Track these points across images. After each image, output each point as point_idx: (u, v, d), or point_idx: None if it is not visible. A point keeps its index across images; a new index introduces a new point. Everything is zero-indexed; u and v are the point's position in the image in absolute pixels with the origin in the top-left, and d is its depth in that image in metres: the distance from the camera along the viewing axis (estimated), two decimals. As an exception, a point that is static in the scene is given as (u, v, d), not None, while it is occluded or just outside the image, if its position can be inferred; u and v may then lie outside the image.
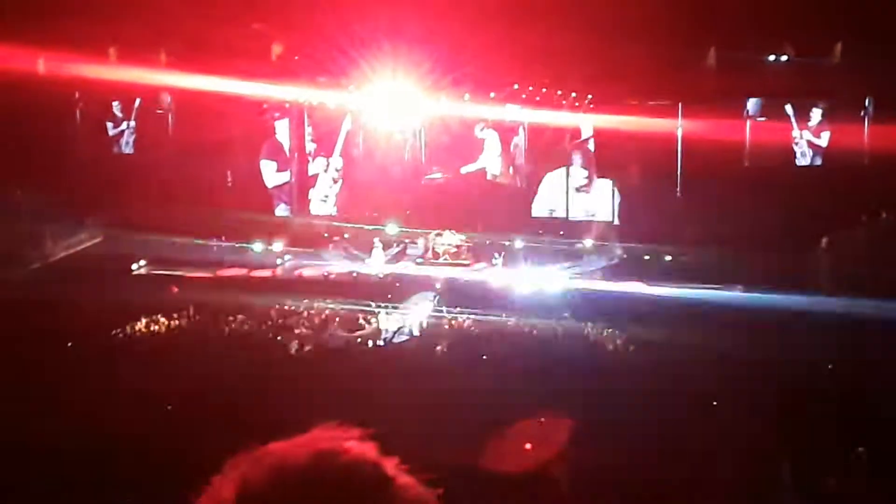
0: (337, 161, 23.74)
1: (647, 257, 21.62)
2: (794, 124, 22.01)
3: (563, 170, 23.23)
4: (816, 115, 21.91)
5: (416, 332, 18.73)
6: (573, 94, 22.47)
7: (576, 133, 23.15)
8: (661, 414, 14.37)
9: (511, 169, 23.95)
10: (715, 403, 15.06)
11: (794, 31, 21.38)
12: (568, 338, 17.97)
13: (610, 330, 18.26)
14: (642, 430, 13.74)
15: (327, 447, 2.30)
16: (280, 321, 18.77)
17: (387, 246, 22.54)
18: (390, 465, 2.34)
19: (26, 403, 14.06)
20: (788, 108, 22.04)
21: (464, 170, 23.82)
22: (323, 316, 19.18)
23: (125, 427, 13.86)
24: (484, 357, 17.18)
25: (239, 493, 2.25)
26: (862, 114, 21.32)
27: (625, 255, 21.97)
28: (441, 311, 19.45)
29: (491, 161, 23.95)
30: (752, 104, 22.06)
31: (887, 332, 15.60)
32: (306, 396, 14.61)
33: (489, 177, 23.97)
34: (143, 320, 18.71)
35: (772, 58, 22.05)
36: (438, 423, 13.57)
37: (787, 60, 21.96)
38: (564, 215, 23.32)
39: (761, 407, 14.29)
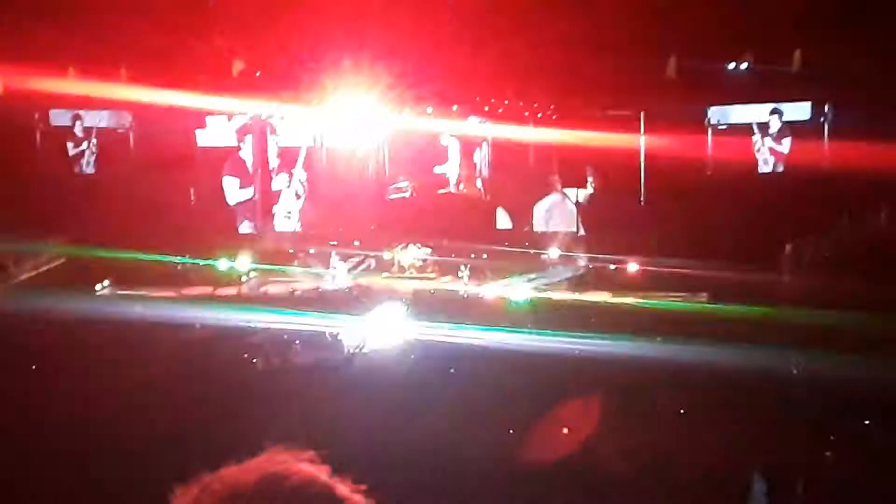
0: (300, 176, 23.68)
1: (612, 267, 21.63)
2: (756, 132, 22.16)
3: (527, 182, 23.25)
4: (776, 122, 22.06)
5: (381, 348, 18.63)
6: (535, 106, 22.54)
7: (538, 145, 23.18)
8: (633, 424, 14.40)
9: (475, 181, 23.99)
10: (682, 412, 15.11)
11: (754, 39, 21.54)
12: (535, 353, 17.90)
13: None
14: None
15: (277, 470, 2.25)
16: (244, 338, 18.61)
17: (351, 260, 22.53)
18: (342, 487, 2.29)
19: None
20: (750, 116, 22.19)
21: (426, 182, 23.83)
22: (287, 332, 19.05)
23: (74, 452, 13.75)
24: (451, 371, 17.10)
25: (190, 521, 2.20)
26: (822, 120, 21.48)
27: (590, 266, 22.00)
28: (407, 326, 19.40)
29: (454, 174, 23.99)
30: (713, 112, 22.19)
31: (852, 339, 15.67)
32: (267, 416, 14.52)
33: (453, 190, 24.00)
34: (104, 338, 18.49)
35: (732, 66, 22.19)
36: (401, 443, 13.49)
37: (747, 68, 22.11)
38: (529, 227, 23.34)
39: (730, 416, 14.35)
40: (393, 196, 23.84)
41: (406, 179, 23.87)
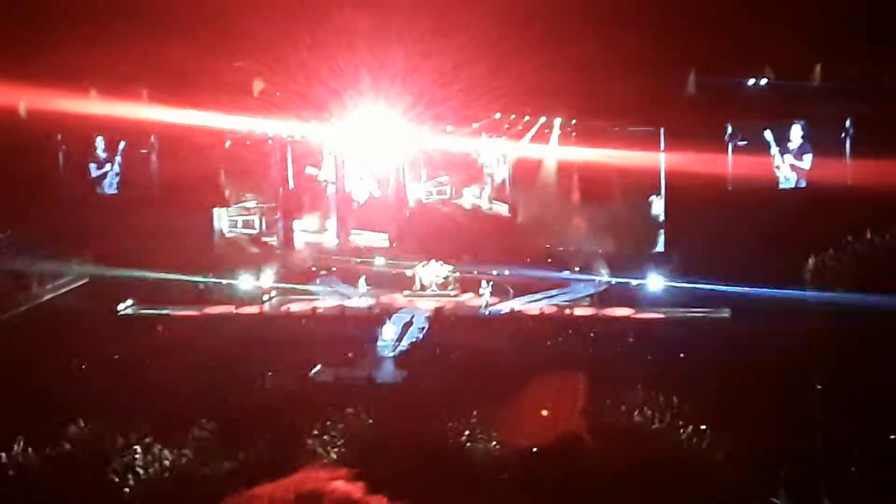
0: (322, 195, 23.76)
1: (635, 284, 21.60)
2: (776, 148, 22.04)
3: (548, 199, 23.23)
4: (797, 138, 21.93)
5: (404, 368, 18.62)
6: (556, 123, 22.55)
7: (560, 163, 23.15)
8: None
9: (496, 199, 23.98)
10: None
11: (774, 55, 21.46)
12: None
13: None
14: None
15: (312, 488, 2.28)
16: (267, 357, 18.62)
17: (373, 278, 22.60)
18: (377, 503, 2.32)
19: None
20: (769, 133, 22.07)
21: (445, 200, 23.90)
22: (310, 349, 19.07)
23: (107, 468, 13.85)
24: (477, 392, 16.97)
25: (227, 538, 2.23)
26: (843, 135, 21.37)
27: (612, 283, 21.98)
28: (427, 344, 19.47)
29: (475, 191, 24.01)
30: (733, 129, 22.09)
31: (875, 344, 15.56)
32: (296, 433, 14.55)
33: (473, 206, 24.00)
34: (126, 357, 18.57)
35: (751, 82, 22.10)
36: (430, 462, 13.49)
37: (767, 84, 22.01)
38: (551, 244, 23.31)
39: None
40: (414, 205, 23.89)
41: (425, 200, 23.94)
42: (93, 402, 15.97)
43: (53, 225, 21.70)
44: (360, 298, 22.18)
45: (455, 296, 22.40)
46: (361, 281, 22.49)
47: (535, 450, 14.14)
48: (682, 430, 14.70)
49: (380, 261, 23.08)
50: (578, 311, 21.23)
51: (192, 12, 20.19)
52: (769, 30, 20.50)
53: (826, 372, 15.61)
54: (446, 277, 22.52)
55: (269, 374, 17.62)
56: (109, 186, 23.94)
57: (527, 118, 22.79)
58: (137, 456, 14.16)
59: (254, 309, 21.78)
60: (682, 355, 17.73)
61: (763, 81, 22.11)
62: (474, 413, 15.21)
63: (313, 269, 23.32)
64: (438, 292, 22.41)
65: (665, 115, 21.46)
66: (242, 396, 16.64)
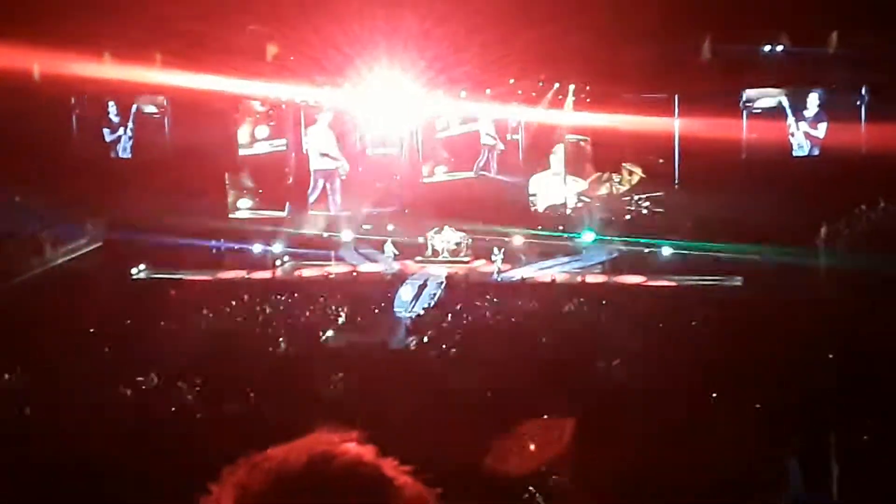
0: (335, 160, 23.74)
1: (647, 251, 21.58)
2: (791, 115, 21.96)
3: (560, 165, 23.22)
4: (813, 105, 21.84)
5: (416, 333, 18.65)
6: (570, 89, 22.48)
7: (573, 129, 23.11)
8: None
9: (508, 165, 23.94)
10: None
11: (789, 21, 21.34)
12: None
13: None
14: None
15: (324, 450, 2.29)
16: (279, 322, 18.70)
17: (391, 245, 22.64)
18: (389, 466, 2.34)
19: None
20: (784, 100, 21.99)
21: (460, 166, 23.88)
22: (322, 316, 19.14)
23: (122, 435, 13.90)
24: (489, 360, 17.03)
25: (238, 500, 2.25)
26: (858, 103, 21.28)
27: (624, 250, 21.97)
28: (440, 310, 19.49)
29: (488, 157, 23.97)
30: (748, 96, 22.02)
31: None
32: (308, 397, 14.60)
33: (487, 173, 23.97)
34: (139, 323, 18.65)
35: (767, 48, 22.00)
36: (440, 424, 13.53)
37: (783, 51, 21.91)
38: (563, 210, 23.30)
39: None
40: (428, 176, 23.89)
41: (439, 167, 23.94)
42: (103, 368, 16.12)
43: (67, 189, 21.77)
44: (374, 263, 22.23)
45: (468, 262, 22.41)
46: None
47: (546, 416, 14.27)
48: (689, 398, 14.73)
49: (391, 227, 23.09)
50: (590, 279, 21.28)
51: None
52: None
53: (839, 339, 15.63)
54: (458, 244, 22.53)
55: (280, 338, 17.75)
56: (123, 151, 24.01)
57: (541, 83, 22.73)
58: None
59: (266, 273, 21.86)
60: (693, 323, 17.71)
61: (779, 48, 22.03)
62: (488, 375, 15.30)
63: (324, 235, 23.30)
64: (451, 258, 22.42)
65: (679, 82, 21.38)
66: (254, 361, 16.72)
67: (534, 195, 23.45)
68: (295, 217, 23.53)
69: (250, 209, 23.76)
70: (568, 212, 23.25)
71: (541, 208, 23.42)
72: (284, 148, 23.86)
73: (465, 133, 23.88)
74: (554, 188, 23.31)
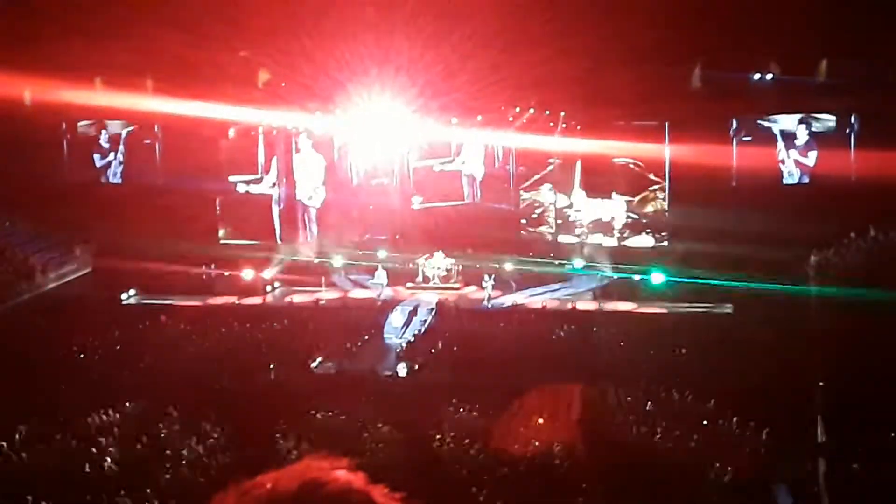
0: (325, 187, 23.74)
1: (637, 279, 21.57)
2: (781, 143, 21.99)
3: (551, 192, 23.24)
4: (803, 134, 21.89)
5: (406, 360, 18.61)
6: (561, 116, 22.52)
7: (563, 156, 23.12)
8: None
9: (499, 192, 23.95)
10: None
11: (779, 50, 21.46)
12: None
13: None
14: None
15: (315, 477, 2.29)
16: (267, 348, 18.67)
17: (382, 271, 22.56)
18: (378, 493, 2.33)
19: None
20: (775, 128, 22.03)
21: (451, 194, 23.89)
22: (310, 342, 19.10)
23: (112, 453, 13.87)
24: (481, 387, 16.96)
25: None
26: (848, 131, 21.34)
27: (614, 276, 21.97)
28: (429, 337, 19.48)
29: (479, 184, 24.01)
30: (738, 124, 22.06)
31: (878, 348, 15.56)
32: (295, 424, 14.59)
33: (477, 200, 23.98)
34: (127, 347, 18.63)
35: (757, 77, 22.10)
36: (429, 452, 13.53)
37: (773, 79, 22.01)
38: (553, 237, 23.32)
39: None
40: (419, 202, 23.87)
41: (429, 195, 23.93)
42: (93, 393, 16.10)
43: (57, 214, 21.76)
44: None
45: (458, 288, 22.39)
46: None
47: (535, 443, 14.26)
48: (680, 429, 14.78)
49: (383, 254, 23.06)
50: (580, 306, 21.26)
51: (198, 2, 20.24)
52: (775, 24, 20.51)
53: (828, 368, 15.64)
54: (449, 270, 22.51)
55: (272, 365, 17.74)
56: (113, 176, 24.04)
57: (531, 111, 22.77)
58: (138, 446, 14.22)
59: (256, 300, 21.80)
60: (683, 351, 17.74)
61: (769, 76, 22.13)
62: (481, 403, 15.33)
63: (315, 261, 23.27)
64: (441, 285, 22.40)
65: (670, 109, 21.42)
66: (244, 388, 16.69)
67: (525, 221, 23.46)
68: (285, 243, 23.53)
69: (240, 235, 23.71)
70: (559, 238, 23.23)
71: (532, 235, 23.40)
72: (275, 175, 23.83)
73: (456, 160, 23.92)
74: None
